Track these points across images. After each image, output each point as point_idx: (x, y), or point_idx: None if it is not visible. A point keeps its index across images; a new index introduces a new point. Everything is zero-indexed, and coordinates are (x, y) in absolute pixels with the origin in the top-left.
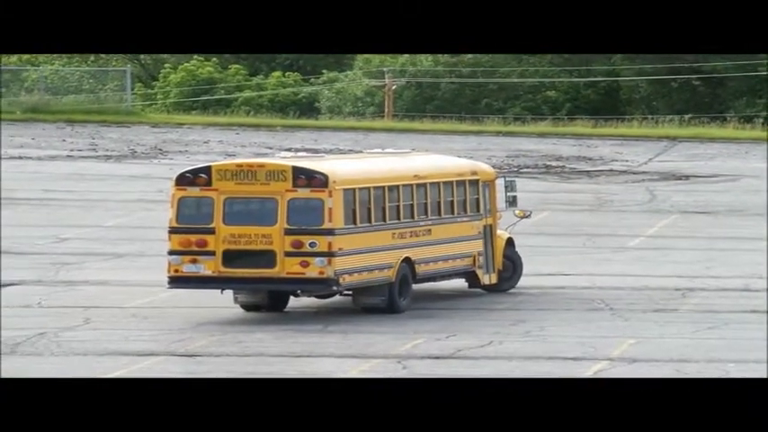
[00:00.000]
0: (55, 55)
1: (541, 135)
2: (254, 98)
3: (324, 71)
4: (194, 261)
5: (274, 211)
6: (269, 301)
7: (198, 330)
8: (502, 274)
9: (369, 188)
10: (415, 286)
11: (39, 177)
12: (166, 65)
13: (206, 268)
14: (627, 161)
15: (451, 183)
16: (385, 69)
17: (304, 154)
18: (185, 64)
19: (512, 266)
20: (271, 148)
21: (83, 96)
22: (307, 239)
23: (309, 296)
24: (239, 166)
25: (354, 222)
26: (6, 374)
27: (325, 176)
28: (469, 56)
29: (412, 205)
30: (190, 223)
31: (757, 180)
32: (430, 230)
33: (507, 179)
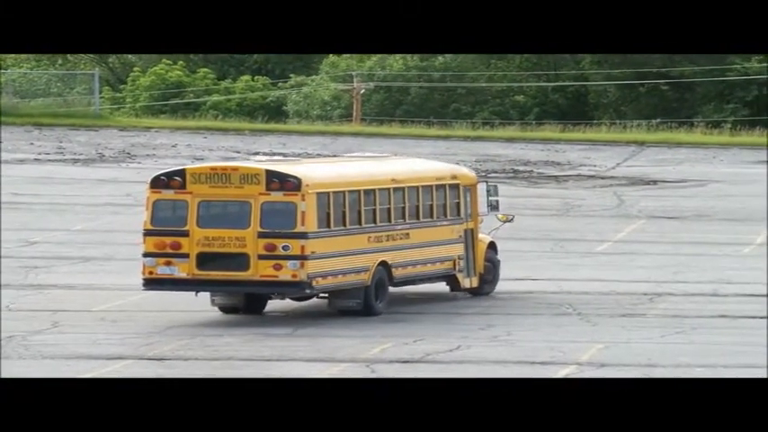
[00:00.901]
0: (23, 58)
1: (509, 140)
2: (223, 102)
3: (292, 75)
4: (169, 263)
5: (248, 214)
6: (246, 303)
7: (166, 334)
8: (484, 278)
9: (343, 192)
10: (393, 289)
11: (7, 181)
12: (135, 68)
13: (180, 270)
14: (595, 166)
15: (431, 187)
16: (353, 73)
17: (280, 158)
18: (154, 68)
19: (493, 270)
20: (239, 152)
21: (51, 99)
22: (280, 243)
23: (284, 299)
24: (213, 169)
25: (328, 226)
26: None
27: (298, 180)
28: (439, 60)
29: (389, 209)
30: (164, 226)
31: (725, 185)
32: (408, 234)
33: (489, 184)
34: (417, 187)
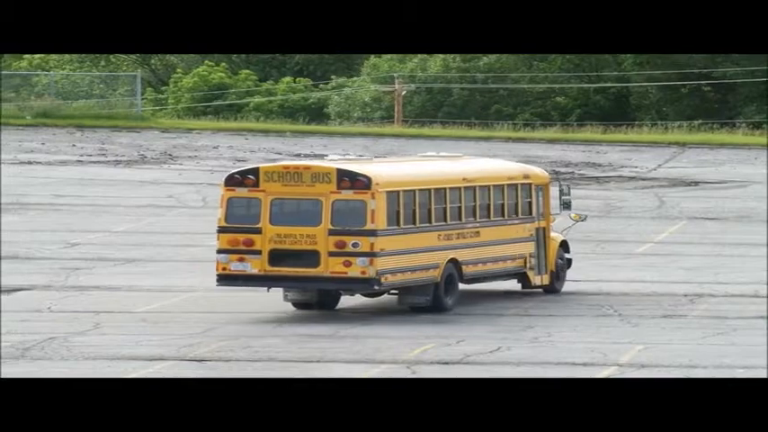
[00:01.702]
0: (66, 60)
1: (551, 141)
2: (265, 103)
3: (333, 77)
4: (242, 260)
5: (319, 212)
6: (318, 299)
7: (208, 335)
8: (556, 275)
9: (413, 191)
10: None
11: (49, 182)
12: (178, 69)
13: (252, 267)
14: (636, 167)
15: (502, 186)
16: (395, 75)
17: (352, 157)
18: (197, 69)
19: (564, 267)
20: (280, 154)
21: (93, 101)
22: (350, 240)
23: (353, 295)
24: (286, 168)
25: (398, 224)
26: (15, 376)
27: (368, 179)
28: (482, 61)
29: (459, 207)
30: (238, 223)
31: (766, 186)
32: (478, 232)
33: (562, 183)
34: (488, 186)
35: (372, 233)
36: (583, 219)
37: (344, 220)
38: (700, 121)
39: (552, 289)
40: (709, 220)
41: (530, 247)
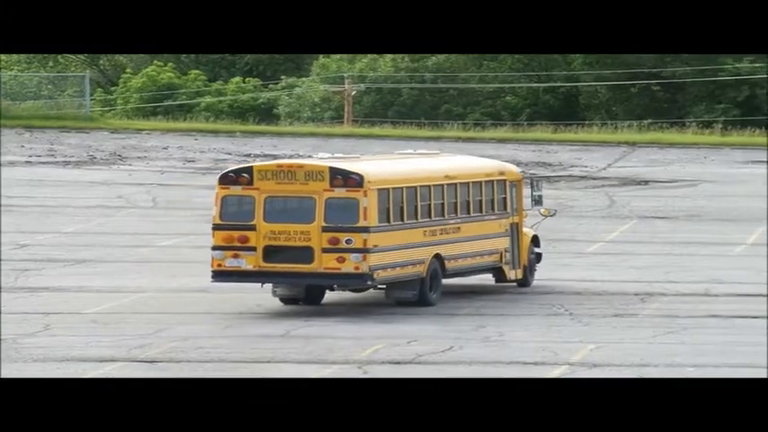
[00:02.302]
0: (14, 61)
1: (501, 141)
2: (215, 104)
3: (283, 77)
4: (236, 256)
5: (312, 209)
6: (306, 294)
7: (158, 336)
8: (528, 269)
9: (402, 188)
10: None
11: None
12: (126, 70)
13: (247, 263)
14: (586, 167)
15: (480, 183)
16: (344, 75)
17: (340, 155)
18: (145, 69)
19: (535, 262)
20: (230, 154)
21: (41, 102)
22: (343, 236)
23: (345, 290)
24: (280, 166)
25: (388, 220)
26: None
27: (361, 177)
28: (431, 61)
29: (442, 204)
30: (232, 220)
31: (716, 185)
32: (459, 228)
33: (534, 179)
34: (468, 183)
35: (365, 230)
36: (552, 214)
37: (338, 217)
38: (649, 121)
39: (525, 283)
40: (660, 219)
41: (505, 243)
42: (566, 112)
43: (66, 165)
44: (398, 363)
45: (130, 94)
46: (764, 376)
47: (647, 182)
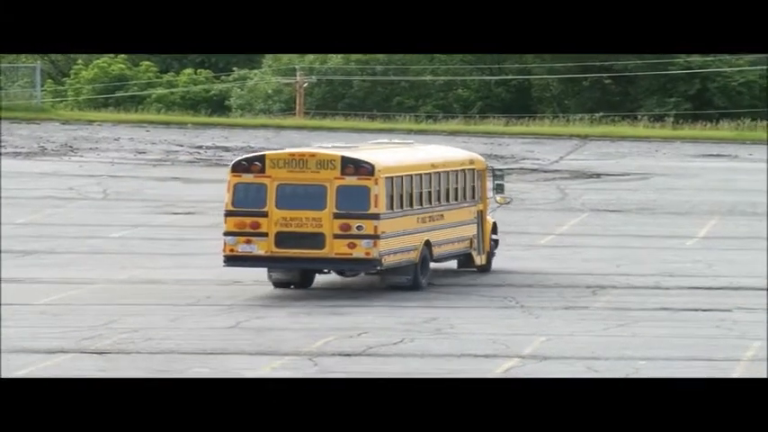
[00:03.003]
0: None
1: (453, 133)
2: (166, 95)
3: (234, 69)
4: (248, 242)
5: (324, 196)
6: (299, 278)
7: (108, 327)
8: (489, 255)
9: (402, 176)
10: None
11: None
12: (78, 61)
13: (259, 248)
14: (538, 159)
15: (456, 172)
16: (296, 67)
17: (341, 144)
18: (97, 61)
19: (494, 248)
20: (182, 146)
21: None
22: (354, 223)
23: (356, 275)
24: (292, 155)
25: (392, 208)
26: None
27: (372, 166)
28: (381, 54)
29: (430, 192)
30: (245, 207)
31: (667, 178)
32: (443, 215)
33: (497, 168)
34: (448, 172)
35: (376, 216)
36: (508, 202)
37: (349, 204)
38: (601, 114)
39: (487, 268)
40: (611, 213)
41: (474, 230)
42: (517, 104)
43: (17, 156)
44: (349, 355)
45: (82, 85)
46: (764, 376)
47: (598, 175)
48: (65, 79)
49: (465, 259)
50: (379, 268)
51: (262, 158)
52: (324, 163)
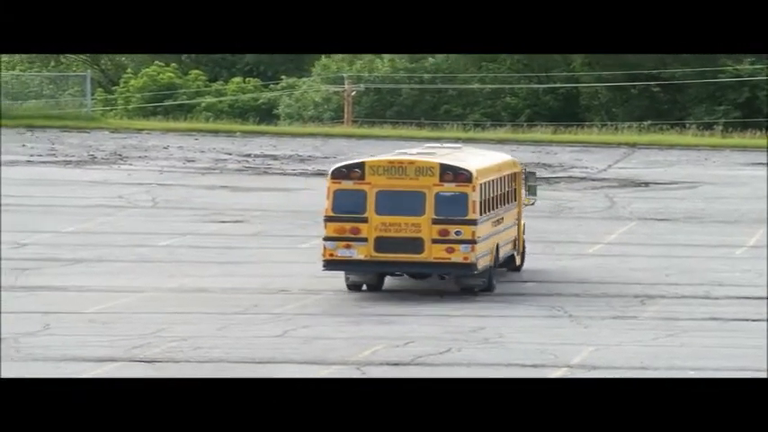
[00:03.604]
0: (15, 60)
1: (501, 141)
2: (215, 104)
3: (283, 77)
4: (348, 246)
5: (422, 202)
6: (375, 281)
7: (157, 336)
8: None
9: (488, 182)
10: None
11: None
12: (127, 70)
13: (359, 253)
14: (586, 168)
15: (509, 175)
16: (344, 75)
17: (438, 145)
18: (146, 69)
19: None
20: (230, 154)
21: (43, 102)
22: (452, 228)
23: (451, 278)
24: (391, 162)
25: (482, 213)
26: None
27: (470, 173)
28: (429, 61)
29: (496, 196)
30: (344, 212)
31: (716, 187)
32: (503, 219)
33: (528, 171)
34: (505, 175)
35: (473, 222)
36: (533, 203)
37: (447, 209)
38: (649, 122)
39: (520, 268)
40: (660, 221)
41: (516, 231)
42: (565, 113)
43: (67, 164)
44: (397, 364)
45: (131, 93)
46: (764, 376)
47: (647, 183)
48: (114, 88)
49: (507, 260)
50: (475, 272)
51: (361, 165)
52: (422, 170)
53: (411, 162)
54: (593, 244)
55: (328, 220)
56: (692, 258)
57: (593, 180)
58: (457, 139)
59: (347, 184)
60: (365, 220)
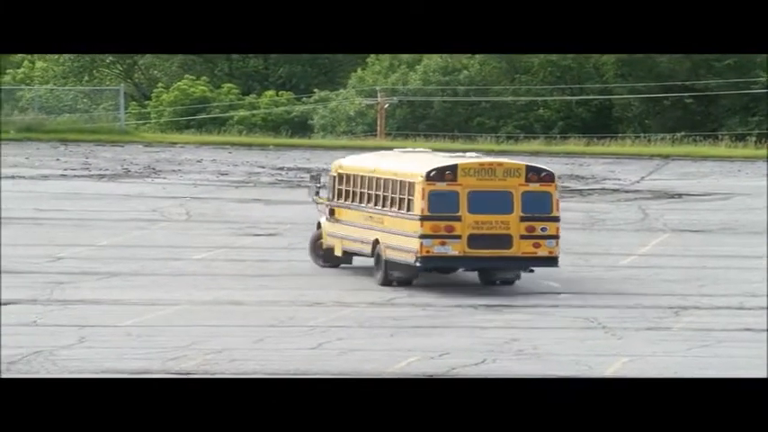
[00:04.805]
0: (50, 75)
1: (534, 153)
2: (248, 117)
3: (316, 90)
4: (443, 243)
5: (510, 201)
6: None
7: (192, 349)
8: None
9: None
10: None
11: (32, 196)
12: (159, 84)
13: (453, 249)
14: (619, 179)
15: None
16: (377, 88)
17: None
18: (178, 83)
19: None
20: (263, 167)
21: (77, 115)
22: (539, 225)
23: (533, 272)
24: (481, 164)
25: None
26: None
27: (552, 174)
28: (463, 74)
29: None
30: (439, 212)
31: (750, 198)
32: None
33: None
34: None
35: (556, 219)
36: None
37: (533, 208)
38: (683, 134)
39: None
40: (693, 233)
41: None
42: (598, 124)
43: (101, 178)
44: (432, 376)
45: (164, 107)
46: (765, 376)
47: (680, 195)
48: (147, 102)
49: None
50: (557, 266)
51: (454, 168)
52: (510, 171)
53: (500, 164)
54: (627, 255)
55: (424, 219)
56: (726, 269)
57: (627, 192)
58: (490, 151)
59: (441, 186)
60: (458, 219)
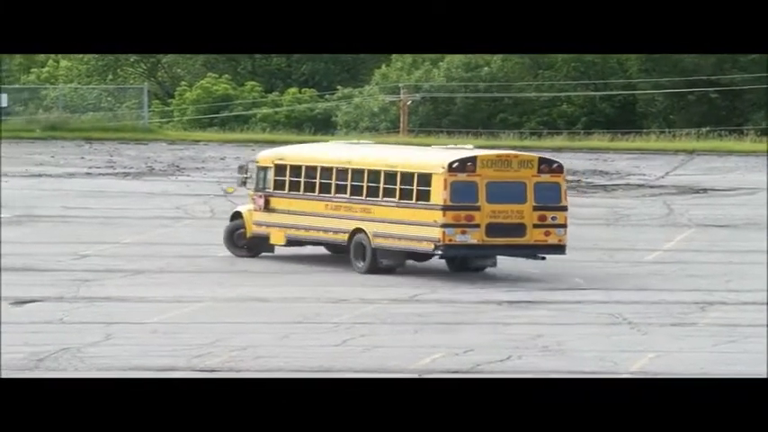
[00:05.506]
0: (74, 74)
1: (557, 149)
2: (271, 114)
3: (338, 87)
4: (464, 232)
5: (524, 191)
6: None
7: (217, 345)
8: None
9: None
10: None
11: (58, 195)
12: (183, 82)
13: (472, 238)
14: (644, 175)
15: None
16: (400, 85)
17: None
18: (201, 81)
19: None
20: None
21: (101, 114)
22: (549, 214)
23: (544, 259)
24: (499, 156)
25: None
26: (7, 375)
27: (562, 165)
28: (485, 70)
29: None
30: (460, 201)
31: None
32: None
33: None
34: None
35: (565, 209)
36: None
37: (544, 198)
38: (707, 129)
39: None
40: (719, 228)
41: None
42: (622, 120)
43: (126, 176)
44: (456, 372)
45: (187, 105)
46: (765, 376)
47: (705, 190)
48: (170, 100)
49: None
50: (564, 254)
51: (474, 159)
52: (524, 163)
53: (515, 156)
54: (652, 251)
55: (446, 209)
56: (752, 264)
57: (651, 187)
58: (513, 147)
59: (462, 176)
60: (478, 209)
